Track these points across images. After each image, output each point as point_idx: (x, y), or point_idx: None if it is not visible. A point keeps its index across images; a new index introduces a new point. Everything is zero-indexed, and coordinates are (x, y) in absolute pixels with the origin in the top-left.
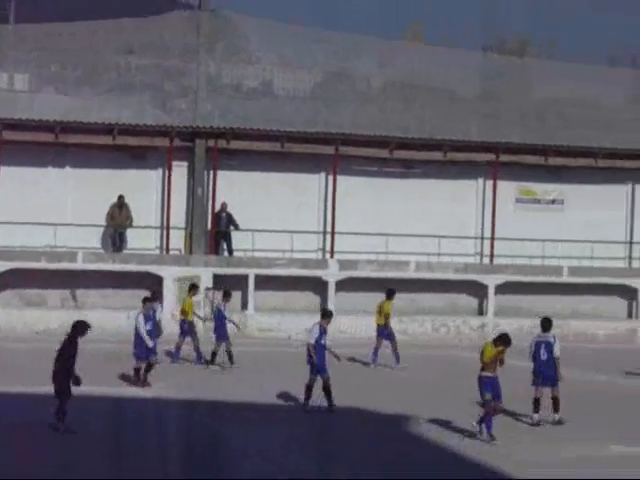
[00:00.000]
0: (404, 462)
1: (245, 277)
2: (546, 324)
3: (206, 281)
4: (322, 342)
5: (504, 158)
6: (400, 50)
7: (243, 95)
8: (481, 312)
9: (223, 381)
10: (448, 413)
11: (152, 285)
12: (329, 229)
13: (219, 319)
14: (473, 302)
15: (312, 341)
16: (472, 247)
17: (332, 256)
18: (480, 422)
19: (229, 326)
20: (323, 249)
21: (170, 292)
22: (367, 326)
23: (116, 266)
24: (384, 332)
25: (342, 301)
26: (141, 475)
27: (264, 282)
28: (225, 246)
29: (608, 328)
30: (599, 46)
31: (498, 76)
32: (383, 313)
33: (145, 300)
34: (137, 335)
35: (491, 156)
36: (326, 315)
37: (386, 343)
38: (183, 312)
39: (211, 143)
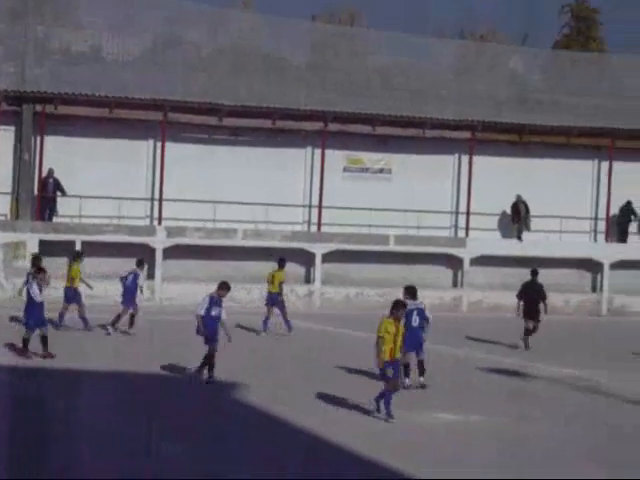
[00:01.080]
0: (229, 431)
1: (72, 243)
2: (413, 291)
3: (32, 247)
4: (212, 313)
5: (333, 127)
6: (231, 18)
7: (72, 60)
8: (308, 280)
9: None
10: (282, 380)
11: None
12: (157, 196)
13: (131, 285)
14: (300, 270)
15: (201, 312)
16: (300, 215)
17: (160, 223)
18: (378, 399)
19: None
20: (151, 216)
21: None
22: (195, 293)
23: None
24: (276, 299)
25: (170, 268)
26: None
27: (91, 249)
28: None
29: (434, 297)
30: (427, 17)
31: (327, 45)
32: (276, 282)
33: (39, 270)
34: (30, 304)
35: (320, 125)
36: (220, 287)
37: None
38: (69, 279)
39: (39, 108)
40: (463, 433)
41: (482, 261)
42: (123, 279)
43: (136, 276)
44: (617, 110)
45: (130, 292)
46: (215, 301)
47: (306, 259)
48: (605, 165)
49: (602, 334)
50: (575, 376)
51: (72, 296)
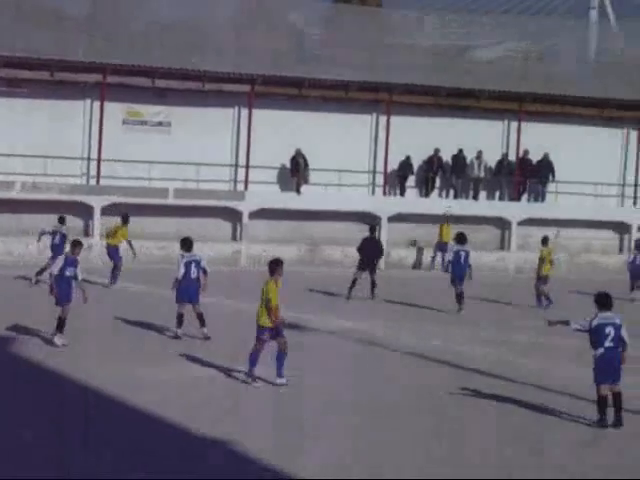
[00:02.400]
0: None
1: None
2: (188, 243)
3: None
4: (67, 274)
5: (111, 79)
6: None
7: None
8: (87, 233)
9: None
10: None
11: None
12: None
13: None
14: (80, 223)
15: (55, 271)
16: (79, 168)
17: None
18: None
19: None
20: None
21: None
22: None
23: None
24: (116, 253)
25: None
26: None
27: None
28: None
29: (213, 250)
30: None
31: None
32: (119, 236)
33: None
34: None
35: (98, 77)
36: (73, 244)
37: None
38: None
39: None
40: (243, 386)
41: (261, 214)
42: (48, 237)
43: (63, 235)
44: (394, 65)
45: (59, 250)
46: (70, 261)
47: (85, 212)
48: (383, 119)
49: (379, 287)
50: (352, 328)
51: None
